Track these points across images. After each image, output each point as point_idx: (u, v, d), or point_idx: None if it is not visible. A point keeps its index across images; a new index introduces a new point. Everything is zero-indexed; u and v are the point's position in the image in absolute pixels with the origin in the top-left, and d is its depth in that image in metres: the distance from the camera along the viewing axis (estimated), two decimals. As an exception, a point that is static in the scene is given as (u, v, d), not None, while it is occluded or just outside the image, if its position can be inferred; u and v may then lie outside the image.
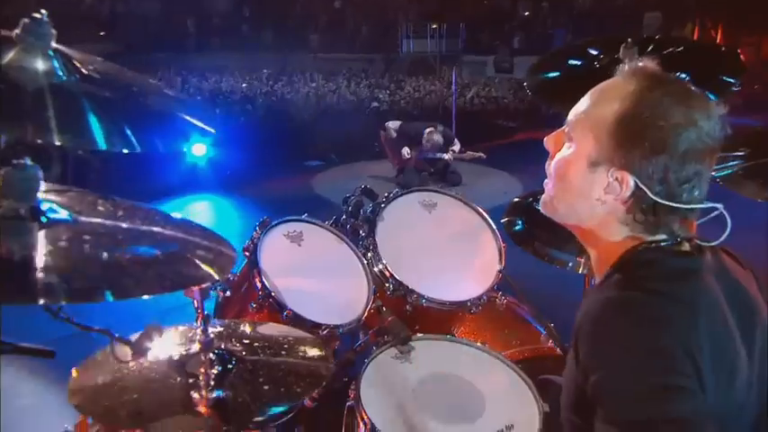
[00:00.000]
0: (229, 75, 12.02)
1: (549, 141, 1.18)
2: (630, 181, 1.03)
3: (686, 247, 1.06)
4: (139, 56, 12.64)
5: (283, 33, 14.53)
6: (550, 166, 1.16)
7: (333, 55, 13.59)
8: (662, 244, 1.05)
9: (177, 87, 10.89)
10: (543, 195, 1.19)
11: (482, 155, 7.34)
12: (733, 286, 1.07)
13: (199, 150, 7.20)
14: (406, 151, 7.18)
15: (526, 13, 14.03)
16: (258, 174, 7.45)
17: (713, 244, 1.08)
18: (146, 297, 0.95)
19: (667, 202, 1.02)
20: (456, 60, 12.39)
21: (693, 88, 1.05)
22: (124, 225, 1.14)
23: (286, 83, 11.55)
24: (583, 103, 1.11)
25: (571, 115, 1.12)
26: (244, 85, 11.39)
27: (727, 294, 1.04)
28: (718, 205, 1.05)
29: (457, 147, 7.36)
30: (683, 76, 2.17)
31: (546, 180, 1.18)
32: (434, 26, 13.50)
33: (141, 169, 6.24)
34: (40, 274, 0.90)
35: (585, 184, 1.08)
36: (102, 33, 13.29)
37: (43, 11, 1.21)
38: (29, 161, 1.00)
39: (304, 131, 9.13)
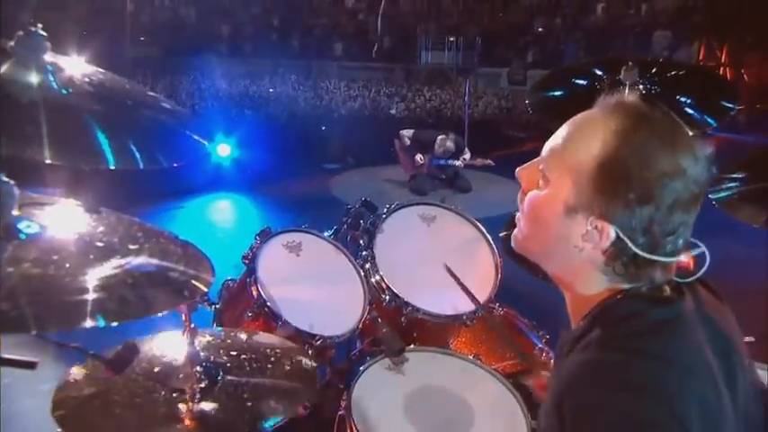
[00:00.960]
0: (258, 79, 12.05)
1: (521, 174, 1.03)
2: (611, 232, 0.90)
3: (666, 291, 0.93)
4: (175, 59, 12.74)
5: (309, 42, 14.54)
6: (523, 202, 1.02)
7: (355, 63, 13.56)
8: (642, 290, 0.93)
9: (208, 90, 10.95)
10: (515, 231, 1.05)
11: (491, 162, 7.24)
12: (713, 327, 0.95)
13: (223, 151, 7.20)
14: (419, 157, 7.13)
15: (540, 29, 13.84)
16: (278, 175, 7.42)
17: (691, 280, 0.96)
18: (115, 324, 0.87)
19: (650, 256, 0.89)
20: (471, 72, 12.26)
21: (678, 125, 0.92)
22: (102, 242, 1.06)
23: (309, 89, 11.54)
24: (559, 140, 0.97)
25: (546, 152, 0.98)
26: (270, 90, 11.40)
27: (709, 336, 0.92)
28: (701, 247, 0.94)
29: (467, 155, 7.29)
30: (684, 99, 2.10)
31: (518, 214, 1.04)
32: (452, 39, 13.39)
33: (168, 169, 6.22)
34: (7, 302, 0.82)
35: (562, 230, 0.95)
36: (141, 39, 13.39)
37: (39, 24, 1.15)
38: (3, 177, 0.93)
39: (323, 135, 9.10)
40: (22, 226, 0.96)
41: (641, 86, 2.03)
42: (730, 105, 2.03)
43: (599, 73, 2.26)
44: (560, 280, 1.03)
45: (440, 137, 7.10)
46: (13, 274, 0.88)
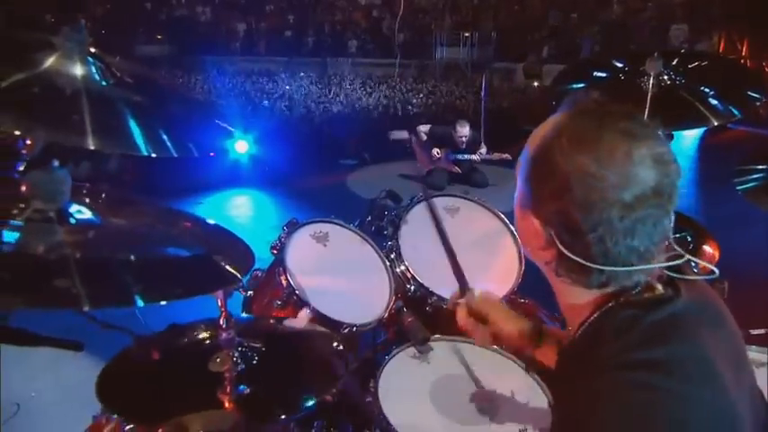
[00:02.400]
0: (274, 76, 12.10)
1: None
2: (542, 230, 0.88)
3: (658, 289, 0.89)
4: (192, 57, 12.82)
5: (324, 38, 14.56)
6: None
7: (370, 60, 13.55)
8: (632, 294, 0.88)
9: (224, 88, 11.03)
10: None
11: (508, 156, 7.22)
12: (714, 321, 0.92)
13: (241, 147, 7.26)
14: (436, 151, 7.15)
15: (555, 23, 13.74)
16: (295, 171, 7.47)
17: (688, 278, 0.91)
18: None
19: (584, 261, 0.85)
20: (486, 67, 12.20)
21: (633, 126, 0.85)
22: (151, 227, 1.10)
23: (325, 85, 11.56)
24: (526, 145, 0.95)
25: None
26: (287, 86, 11.44)
27: (710, 331, 0.89)
28: (681, 259, 0.88)
29: (484, 149, 7.28)
30: (708, 90, 2.09)
31: None
32: (467, 34, 13.34)
33: (186, 165, 6.31)
34: (65, 279, 0.86)
35: (523, 226, 0.94)
36: (159, 37, 13.50)
37: (82, 19, 1.19)
38: (56, 163, 0.97)
39: (340, 132, 9.12)
40: (73, 211, 1.00)
41: (666, 77, 2.03)
42: (756, 95, 2.02)
43: (619, 65, 2.26)
44: (555, 290, 0.99)
45: (457, 123, 7.15)
46: (67, 255, 0.92)
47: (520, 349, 1.42)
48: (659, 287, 0.89)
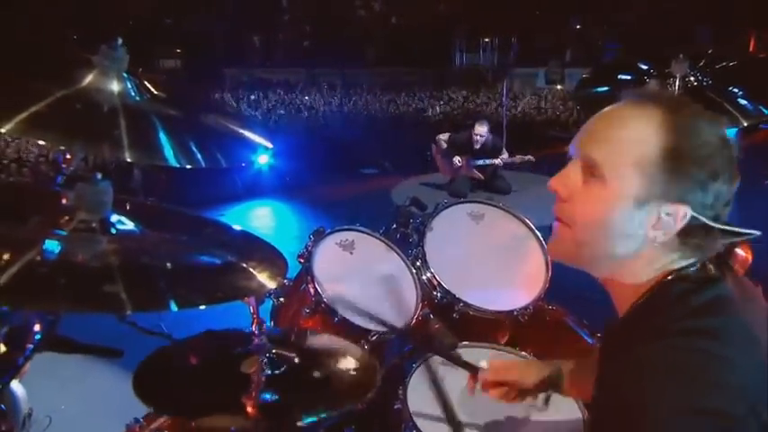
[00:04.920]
0: (293, 87, 12.25)
1: (558, 184, 1.03)
2: (688, 213, 0.94)
3: (711, 270, 0.98)
4: (211, 70, 13.06)
5: (342, 48, 14.71)
6: (569, 210, 1.02)
7: (389, 68, 13.65)
8: (689, 271, 0.97)
9: (244, 99, 11.19)
10: (556, 243, 1.06)
11: (531, 158, 7.18)
12: (753, 306, 1.00)
13: (262, 159, 7.35)
14: (457, 160, 7.16)
15: (577, 26, 13.71)
16: (316, 181, 7.55)
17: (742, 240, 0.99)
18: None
19: (720, 226, 0.95)
20: (507, 72, 12.21)
21: (695, 103, 1.00)
22: (186, 236, 1.15)
23: (344, 95, 11.68)
24: (606, 138, 0.99)
25: (595, 153, 0.99)
26: (306, 97, 11.58)
27: (749, 309, 0.96)
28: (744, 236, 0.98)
29: (505, 154, 7.28)
30: (736, 90, 2.10)
31: (557, 225, 1.05)
32: (486, 40, 13.39)
33: (209, 177, 6.43)
34: (109, 285, 0.91)
35: (629, 224, 0.97)
36: (178, 50, 13.79)
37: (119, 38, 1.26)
38: (99, 175, 1.03)
39: (360, 141, 9.19)
40: (114, 221, 1.05)
41: (692, 78, 2.03)
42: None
43: (644, 67, 2.28)
44: (611, 275, 1.04)
45: (476, 122, 7.19)
46: (111, 262, 0.97)
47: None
48: (712, 268, 0.97)
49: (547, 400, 1.56)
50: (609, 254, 1.00)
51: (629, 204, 0.96)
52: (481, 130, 7.13)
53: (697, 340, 0.88)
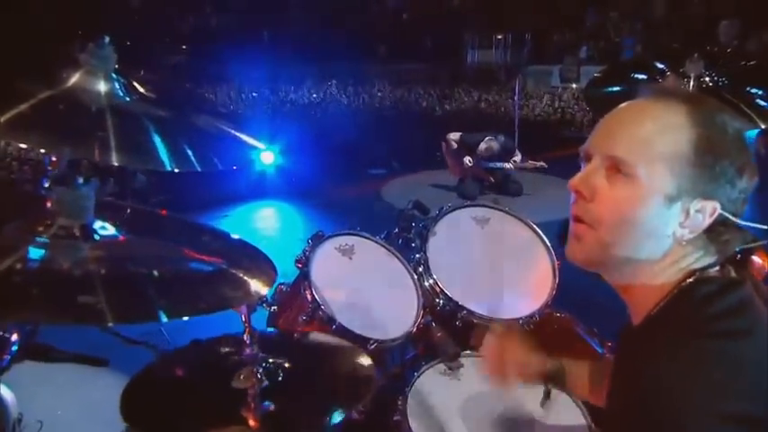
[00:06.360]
0: (300, 84, 12.25)
1: (580, 184, 1.01)
2: (717, 209, 0.95)
3: (732, 272, 0.98)
4: (218, 66, 13.08)
5: (352, 44, 14.69)
6: (594, 211, 1.00)
7: (399, 65, 13.63)
8: (711, 272, 0.97)
9: (250, 97, 11.21)
10: (578, 246, 1.03)
11: (543, 164, 7.12)
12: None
13: (267, 158, 7.36)
14: (467, 160, 7.11)
15: (594, 23, 13.60)
16: (323, 181, 7.54)
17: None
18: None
19: (744, 223, 0.96)
20: (521, 70, 12.15)
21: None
22: (172, 243, 1.14)
23: (353, 92, 11.66)
24: (631, 135, 0.97)
25: (619, 150, 0.97)
26: (314, 95, 11.58)
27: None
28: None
29: (518, 157, 7.22)
30: (755, 91, 2.06)
31: (578, 226, 1.02)
32: (499, 37, 13.33)
33: (212, 177, 6.44)
34: (86, 295, 0.90)
35: (659, 222, 0.96)
36: (183, 47, 13.85)
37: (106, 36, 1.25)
38: (81, 180, 1.02)
39: (368, 140, 9.17)
40: (97, 227, 1.04)
41: (707, 78, 2.00)
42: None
43: (660, 66, 2.25)
44: (631, 277, 1.03)
45: (486, 138, 7.08)
46: (91, 271, 0.96)
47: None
48: (731, 270, 0.98)
49: (548, 395, 1.55)
50: (634, 254, 1.00)
51: (659, 201, 0.96)
52: (494, 146, 7.04)
53: (727, 343, 0.90)
